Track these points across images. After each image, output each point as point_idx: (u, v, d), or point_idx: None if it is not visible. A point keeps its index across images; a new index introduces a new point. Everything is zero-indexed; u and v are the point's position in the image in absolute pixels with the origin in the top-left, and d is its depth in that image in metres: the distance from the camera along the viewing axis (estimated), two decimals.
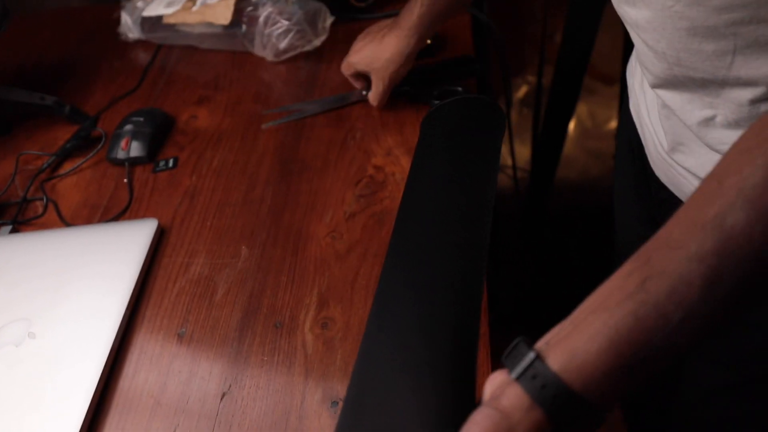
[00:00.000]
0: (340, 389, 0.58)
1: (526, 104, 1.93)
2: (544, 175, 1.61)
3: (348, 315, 0.64)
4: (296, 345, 0.62)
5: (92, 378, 0.59)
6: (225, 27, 1.00)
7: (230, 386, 0.60)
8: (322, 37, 0.99)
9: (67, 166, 0.87)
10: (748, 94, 0.48)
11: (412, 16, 0.78)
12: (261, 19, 0.97)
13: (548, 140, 1.55)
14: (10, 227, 0.79)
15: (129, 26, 1.08)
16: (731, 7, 0.44)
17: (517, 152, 1.53)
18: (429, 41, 0.94)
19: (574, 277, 1.55)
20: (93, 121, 0.93)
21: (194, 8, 1.02)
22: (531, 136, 1.67)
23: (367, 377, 0.41)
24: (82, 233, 0.75)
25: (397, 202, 0.60)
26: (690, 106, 0.53)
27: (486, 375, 0.42)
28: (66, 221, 0.79)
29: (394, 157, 0.80)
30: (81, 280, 0.68)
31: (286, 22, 0.96)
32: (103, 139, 0.89)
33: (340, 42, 1.00)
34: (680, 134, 0.57)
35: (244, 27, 0.99)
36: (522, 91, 1.96)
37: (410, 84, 0.86)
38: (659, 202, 0.67)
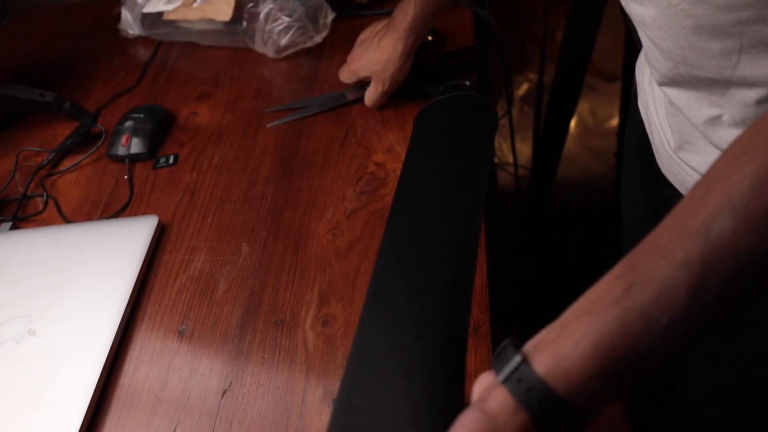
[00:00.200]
0: None
1: (526, 102, 1.93)
2: (545, 173, 1.61)
3: (349, 312, 0.63)
4: (297, 342, 0.62)
5: (93, 375, 0.59)
6: (225, 23, 1.00)
7: (231, 383, 0.60)
8: (323, 34, 0.98)
9: (68, 163, 0.87)
10: (753, 94, 0.48)
11: (406, 17, 0.79)
12: (262, 16, 0.97)
13: (549, 138, 1.55)
14: (10, 224, 0.79)
15: (129, 22, 1.07)
16: (737, 6, 0.44)
17: (518, 150, 1.52)
18: (430, 38, 0.94)
19: (574, 275, 1.55)
20: (93, 117, 0.92)
21: (195, 4, 1.01)
22: (532, 134, 1.66)
23: (359, 377, 0.41)
24: (82, 230, 0.75)
25: None
26: (696, 105, 0.53)
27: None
28: (66, 218, 0.79)
29: (395, 154, 0.79)
30: (81, 276, 0.68)
31: (287, 19, 0.96)
32: (104, 135, 0.88)
33: (341, 38, 0.99)
34: (687, 133, 0.57)
35: (244, 23, 0.99)
36: (523, 88, 1.95)
37: (415, 81, 0.86)
38: (666, 200, 0.67)
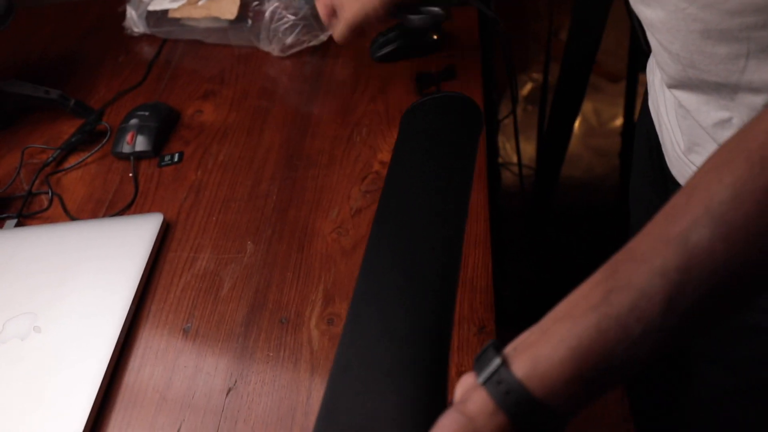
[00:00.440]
0: None
1: (530, 101, 1.92)
2: (549, 172, 1.60)
3: None
4: (302, 341, 0.62)
5: (97, 372, 0.59)
6: (231, 21, 1.00)
7: (236, 382, 0.60)
8: (329, 32, 0.98)
9: (72, 160, 0.87)
10: (761, 99, 0.48)
11: None
12: (267, 14, 0.97)
13: (554, 138, 1.55)
14: (15, 221, 0.79)
15: (134, 20, 1.07)
16: (744, 11, 0.44)
17: (522, 150, 1.52)
18: (435, 36, 0.94)
19: (578, 275, 1.54)
20: (98, 115, 0.92)
21: (200, 2, 1.01)
22: (536, 134, 1.66)
23: (344, 378, 0.42)
24: (87, 227, 0.74)
25: None
26: (706, 108, 0.53)
27: None
28: (71, 215, 0.79)
29: None
30: (86, 274, 0.68)
31: (292, 17, 0.96)
32: (108, 133, 0.88)
33: None
34: (696, 135, 0.57)
35: (249, 21, 0.99)
36: (527, 88, 1.95)
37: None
38: None
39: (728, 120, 0.51)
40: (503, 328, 0.63)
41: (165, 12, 1.04)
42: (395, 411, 0.39)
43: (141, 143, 0.85)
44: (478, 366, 0.38)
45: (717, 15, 0.45)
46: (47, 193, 0.82)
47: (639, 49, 1.08)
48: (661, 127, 0.66)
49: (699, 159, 0.58)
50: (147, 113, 0.88)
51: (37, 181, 0.84)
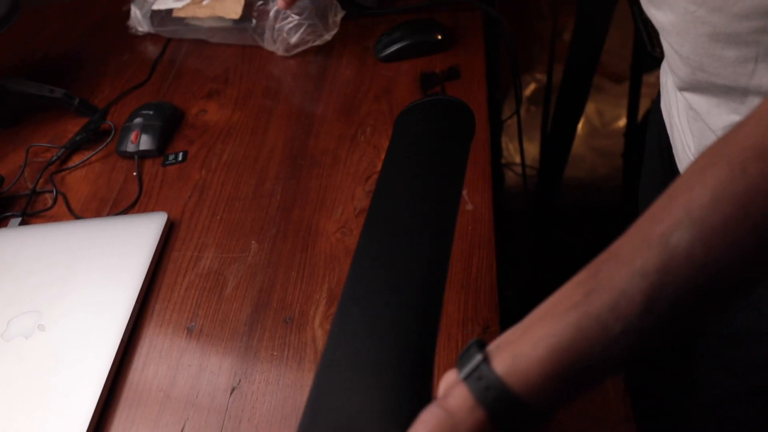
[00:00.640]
0: None
1: (534, 102, 1.92)
2: (552, 173, 1.60)
3: None
4: (306, 340, 0.62)
5: (101, 371, 0.59)
6: (235, 21, 1.00)
7: (240, 381, 0.60)
8: (333, 32, 0.98)
9: (77, 159, 0.87)
10: None
11: None
12: (271, 14, 0.97)
13: (557, 138, 1.55)
14: (19, 219, 0.79)
15: (138, 19, 1.08)
16: (753, 15, 0.44)
17: (526, 150, 1.52)
18: (439, 36, 0.94)
19: None
20: (102, 113, 0.93)
21: (204, 2, 1.01)
22: (540, 134, 1.66)
23: (330, 376, 0.42)
24: (91, 226, 0.75)
25: None
26: (716, 111, 0.53)
27: None
28: (75, 214, 0.79)
29: None
30: (90, 272, 0.68)
31: (296, 17, 0.96)
32: (113, 132, 0.89)
33: (351, 36, 0.99)
34: (707, 138, 0.57)
35: (254, 21, 0.99)
36: (530, 88, 1.95)
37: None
38: None
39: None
40: (504, 328, 0.63)
41: (169, 11, 1.04)
42: (379, 406, 0.39)
43: (145, 142, 0.85)
44: (460, 362, 0.39)
45: (726, 18, 0.45)
46: (51, 191, 0.82)
47: (643, 50, 1.08)
48: (673, 129, 0.66)
49: None
50: (151, 112, 0.88)
51: (41, 180, 0.84)
